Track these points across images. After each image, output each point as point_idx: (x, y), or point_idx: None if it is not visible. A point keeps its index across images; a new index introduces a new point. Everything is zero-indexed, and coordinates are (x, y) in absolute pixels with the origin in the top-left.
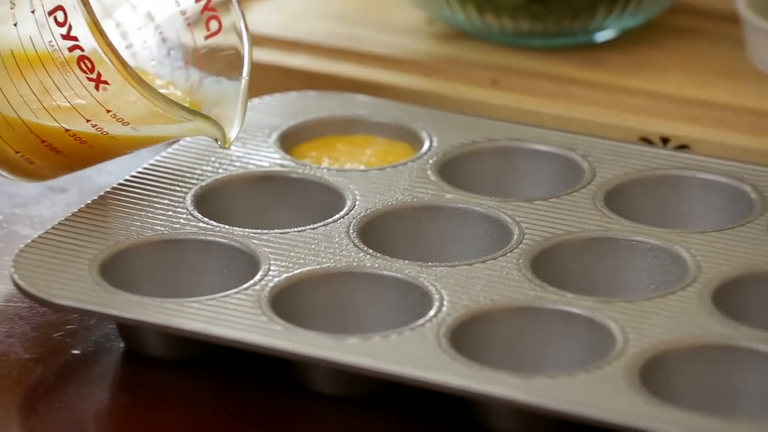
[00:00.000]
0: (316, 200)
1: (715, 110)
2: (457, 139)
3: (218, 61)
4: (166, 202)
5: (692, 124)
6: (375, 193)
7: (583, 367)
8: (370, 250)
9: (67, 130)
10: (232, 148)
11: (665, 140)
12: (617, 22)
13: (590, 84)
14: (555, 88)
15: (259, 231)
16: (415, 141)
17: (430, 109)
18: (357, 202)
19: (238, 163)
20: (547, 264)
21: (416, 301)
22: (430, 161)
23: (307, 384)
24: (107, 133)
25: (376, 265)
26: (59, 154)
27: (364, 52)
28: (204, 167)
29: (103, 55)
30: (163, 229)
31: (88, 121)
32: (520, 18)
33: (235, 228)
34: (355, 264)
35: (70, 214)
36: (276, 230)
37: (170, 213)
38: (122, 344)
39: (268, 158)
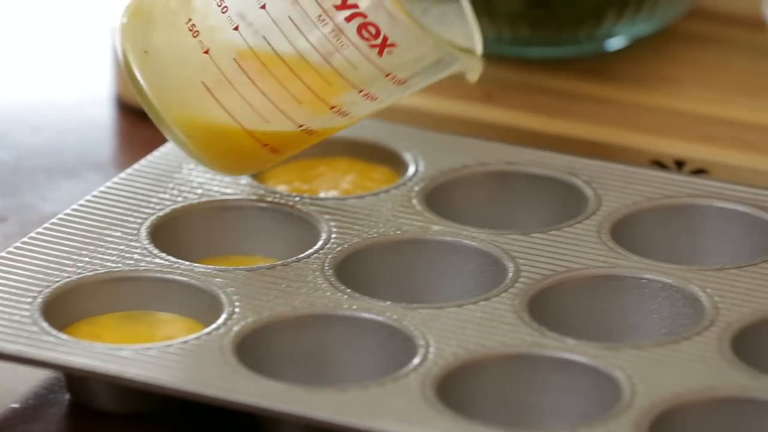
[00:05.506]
0: (286, 233)
1: (737, 130)
2: (445, 163)
3: None
4: (119, 234)
5: (711, 146)
6: (353, 224)
7: (586, 422)
8: (348, 290)
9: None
10: (193, 173)
11: (680, 164)
12: (628, 29)
13: (596, 99)
14: (556, 104)
15: (222, 268)
16: (398, 165)
17: (415, 129)
18: (333, 236)
19: (199, 191)
20: (546, 305)
21: (399, 347)
22: (416, 188)
23: None
24: (377, 99)
25: (354, 306)
26: (312, 135)
27: None
28: (161, 195)
29: (394, 11)
30: (115, 265)
31: (360, 91)
32: (519, 24)
33: (195, 264)
34: (330, 305)
35: (9, 248)
36: (241, 267)
37: (123, 247)
38: (68, 396)
39: (233, 185)
